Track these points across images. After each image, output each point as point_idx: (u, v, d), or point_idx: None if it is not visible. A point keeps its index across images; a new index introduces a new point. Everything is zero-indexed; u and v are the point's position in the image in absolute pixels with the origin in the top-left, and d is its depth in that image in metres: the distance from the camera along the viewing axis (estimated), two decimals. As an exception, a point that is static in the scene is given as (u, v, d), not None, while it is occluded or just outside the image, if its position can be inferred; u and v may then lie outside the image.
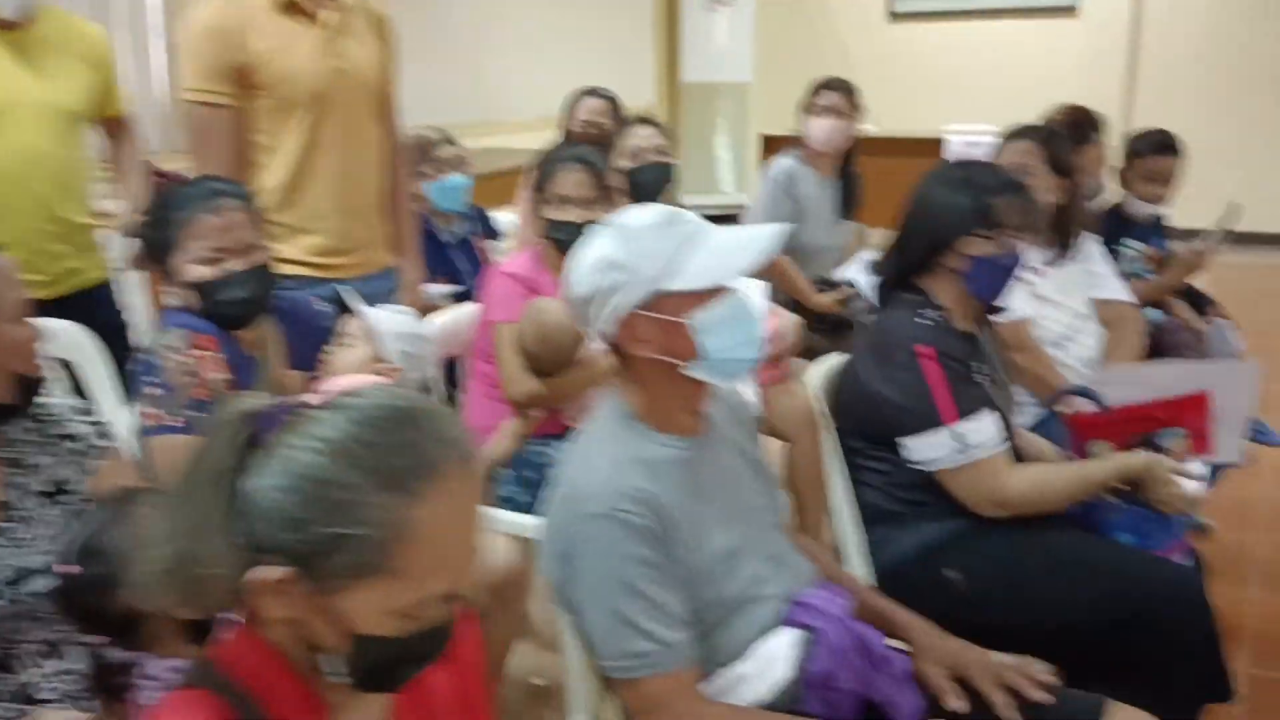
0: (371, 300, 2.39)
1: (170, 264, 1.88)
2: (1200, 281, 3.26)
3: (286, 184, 2.31)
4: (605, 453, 1.45)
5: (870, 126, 7.83)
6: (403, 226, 2.61)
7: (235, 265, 1.87)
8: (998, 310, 2.12)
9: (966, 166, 2.03)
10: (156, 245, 1.89)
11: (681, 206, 2.14)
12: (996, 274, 1.97)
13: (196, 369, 1.78)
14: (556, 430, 2.40)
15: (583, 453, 1.48)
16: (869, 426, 2.01)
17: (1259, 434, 3.31)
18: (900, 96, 8.08)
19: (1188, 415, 1.98)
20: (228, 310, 1.88)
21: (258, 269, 1.91)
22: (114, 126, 2.66)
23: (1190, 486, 1.89)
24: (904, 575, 1.98)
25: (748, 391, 2.82)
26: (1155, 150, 3.11)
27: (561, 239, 2.52)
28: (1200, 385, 2.01)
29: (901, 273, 2.03)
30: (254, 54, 2.22)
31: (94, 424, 1.61)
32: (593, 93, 3.60)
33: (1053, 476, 1.98)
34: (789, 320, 3.05)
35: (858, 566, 2.05)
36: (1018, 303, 2.57)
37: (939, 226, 1.97)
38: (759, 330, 1.48)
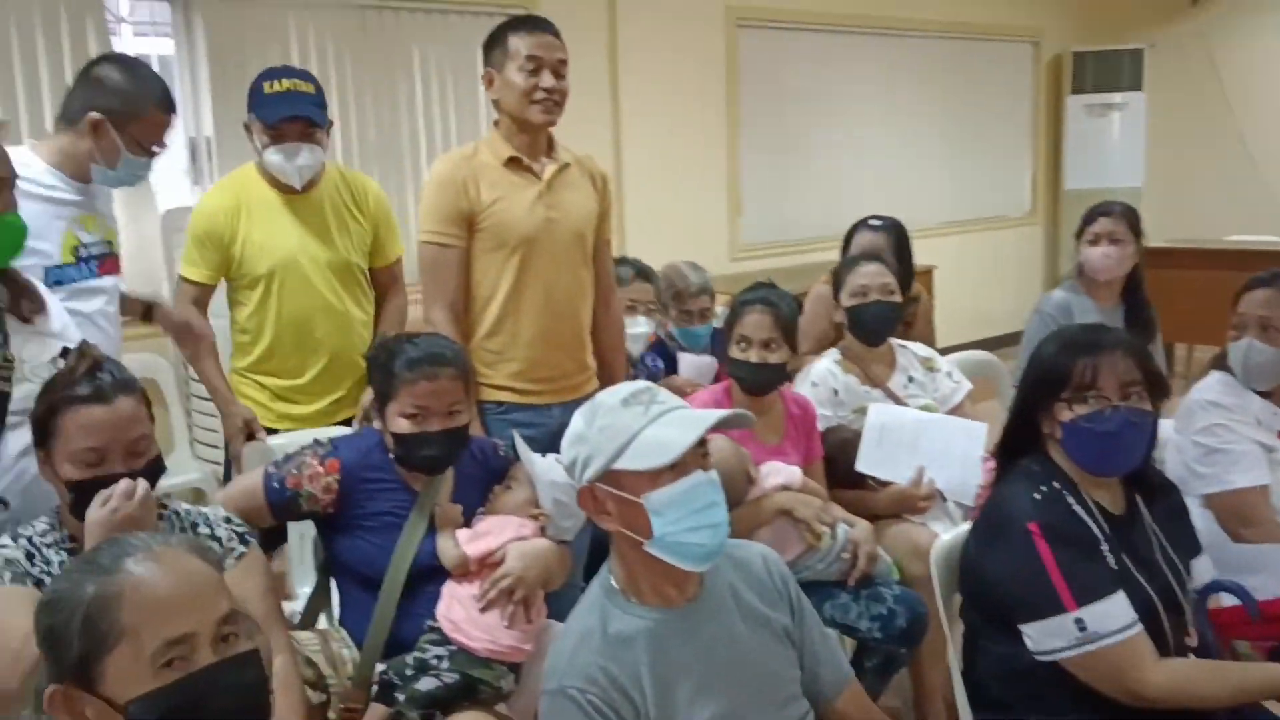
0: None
1: (385, 407, 2.16)
2: None
3: (497, 315, 2.60)
4: (577, 627, 1.52)
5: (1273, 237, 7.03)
6: (607, 358, 2.82)
7: (433, 426, 2.10)
8: (1141, 477, 1.91)
9: (1082, 328, 1.87)
10: (379, 389, 2.19)
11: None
12: (1094, 441, 1.79)
13: (306, 473, 2.12)
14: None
15: (564, 627, 1.56)
16: (984, 605, 1.88)
17: None
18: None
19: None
20: (416, 463, 2.14)
21: (452, 432, 2.12)
22: (383, 275, 2.97)
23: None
24: (1010, 770, 1.82)
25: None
26: None
27: (742, 378, 2.60)
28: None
29: (1016, 438, 1.89)
30: (480, 202, 2.56)
31: (238, 532, 1.90)
32: (869, 225, 3.59)
33: (1201, 677, 1.74)
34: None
35: (970, 751, 1.91)
36: (1251, 468, 2.28)
37: (1031, 391, 1.85)
38: (719, 515, 1.49)
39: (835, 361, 2.96)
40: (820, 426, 2.77)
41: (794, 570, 1.84)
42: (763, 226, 6.49)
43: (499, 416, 2.60)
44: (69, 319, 2.09)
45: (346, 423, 2.80)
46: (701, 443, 1.54)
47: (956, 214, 7.59)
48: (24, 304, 1.94)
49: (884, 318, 2.94)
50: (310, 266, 2.74)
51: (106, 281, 2.46)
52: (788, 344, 2.63)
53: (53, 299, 2.04)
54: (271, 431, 2.74)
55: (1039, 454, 1.88)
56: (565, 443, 1.56)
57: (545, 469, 2.17)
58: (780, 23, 6.34)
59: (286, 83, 2.66)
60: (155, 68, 4.47)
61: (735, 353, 2.62)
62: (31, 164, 2.33)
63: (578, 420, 1.56)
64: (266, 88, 2.65)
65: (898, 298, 2.95)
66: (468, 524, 2.16)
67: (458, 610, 2.05)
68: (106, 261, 2.47)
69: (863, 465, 2.71)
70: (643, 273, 3.31)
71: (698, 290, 3.45)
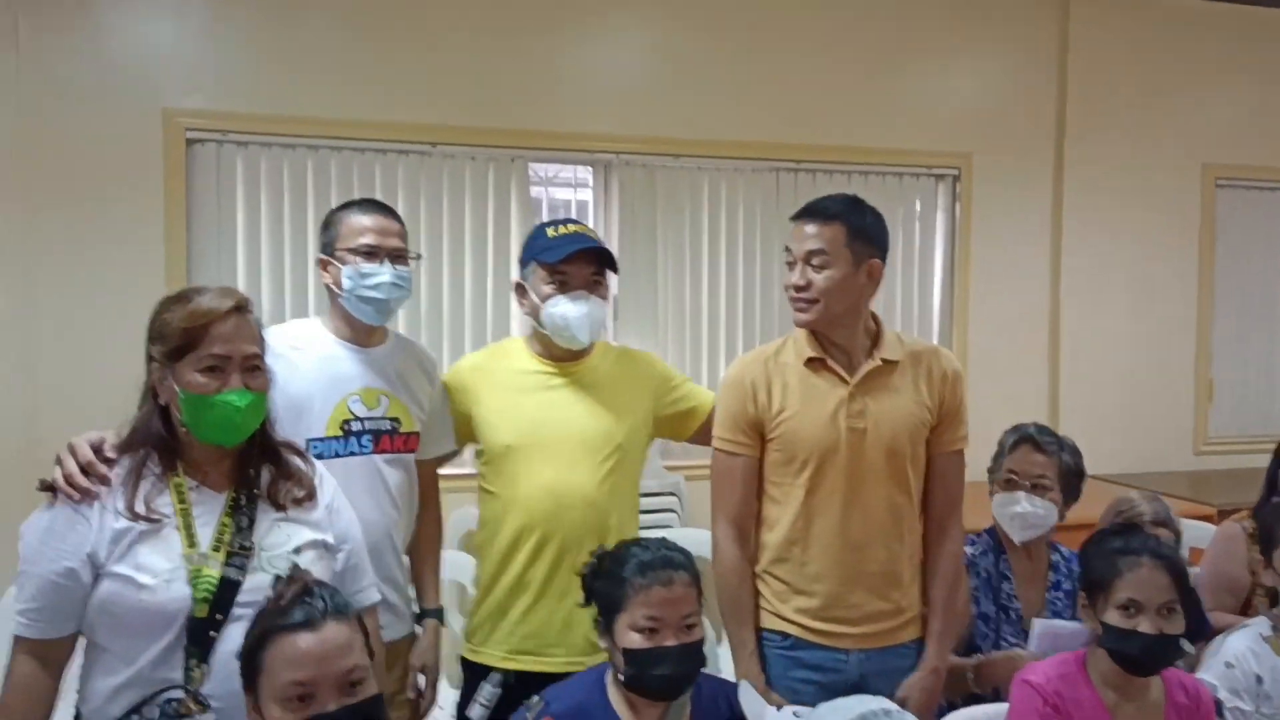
0: (881, 679, 2.16)
1: (612, 621, 1.94)
2: None
3: (784, 541, 2.24)
4: None
5: None
6: (937, 602, 2.30)
7: (669, 640, 1.89)
8: None
9: None
10: (605, 599, 1.97)
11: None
12: None
13: None
14: None
15: None
16: None
17: None
18: None
19: None
20: (649, 685, 1.90)
21: (689, 648, 1.90)
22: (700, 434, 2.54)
23: None
24: None
25: None
26: None
27: (1130, 654, 2.01)
28: None
29: None
30: (769, 409, 2.23)
31: None
32: None
33: None
34: None
35: None
36: None
37: None
38: None
39: (1263, 638, 2.23)
40: (1229, 724, 2.09)
41: None
42: (1239, 415, 5.45)
43: (784, 652, 2.21)
44: (346, 509, 2.00)
45: None
46: None
47: None
48: (283, 489, 1.87)
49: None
50: (572, 444, 2.36)
51: (381, 459, 2.30)
52: (1184, 608, 2.01)
53: (329, 487, 1.97)
54: (524, 679, 2.30)
55: None
56: None
57: None
58: (1273, 182, 5.40)
59: (573, 226, 2.42)
60: (573, 212, 4.83)
61: (1114, 618, 2.03)
62: (316, 333, 2.34)
63: None
64: (550, 232, 2.40)
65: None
66: None
67: None
68: (386, 439, 2.32)
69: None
70: (1027, 439, 2.65)
71: (1152, 523, 2.70)
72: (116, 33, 3.76)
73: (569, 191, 4.79)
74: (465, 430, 2.48)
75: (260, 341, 1.84)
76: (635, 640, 1.88)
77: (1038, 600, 2.64)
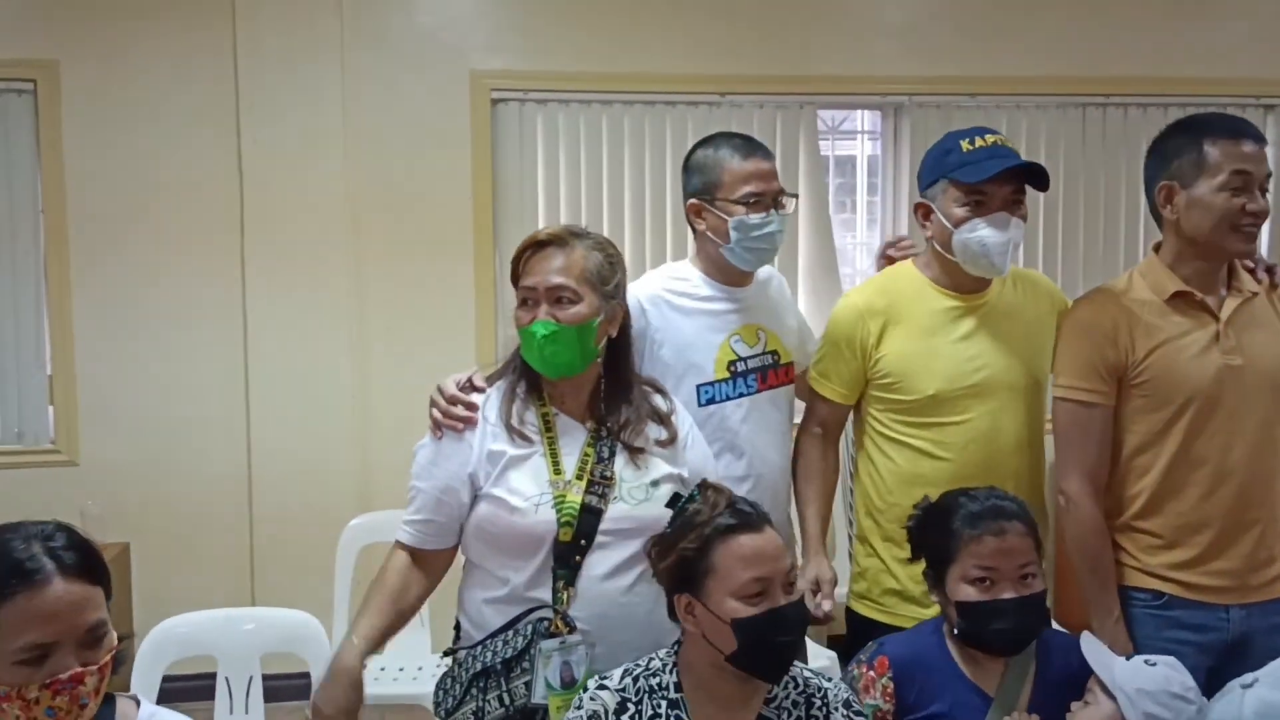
0: (1265, 637, 1.98)
1: (945, 574, 1.87)
2: None
3: (1155, 490, 2.07)
4: None
5: None
6: None
7: (1006, 593, 1.81)
8: None
9: None
10: (933, 552, 1.90)
11: None
12: None
13: (860, 685, 1.86)
14: None
15: None
16: None
17: None
18: None
19: None
20: (986, 640, 1.84)
21: (1028, 600, 1.82)
22: None
23: None
24: None
25: None
26: None
27: None
28: None
29: None
30: (1134, 351, 2.06)
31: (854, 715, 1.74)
32: None
33: None
34: None
35: None
36: None
37: None
38: None
39: None
40: None
41: None
42: None
43: (1154, 611, 2.07)
44: (700, 443, 2.06)
45: None
46: None
47: None
48: (640, 427, 1.92)
49: None
50: (998, 385, 2.18)
51: (766, 396, 2.30)
52: None
53: (685, 423, 2.03)
54: None
55: None
56: None
57: (1128, 676, 1.74)
58: None
59: (991, 137, 2.14)
60: (859, 168, 4.70)
61: None
62: (689, 277, 2.34)
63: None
64: (965, 145, 2.13)
65: None
66: None
67: None
68: (770, 374, 2.32)
69: None
70: None
71: None
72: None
73: (854, 144, 4.68)
74: (860, 378, 2.27)
75: (580, 274, 1.88)
76: (968, 593, 1.82)
77: None
